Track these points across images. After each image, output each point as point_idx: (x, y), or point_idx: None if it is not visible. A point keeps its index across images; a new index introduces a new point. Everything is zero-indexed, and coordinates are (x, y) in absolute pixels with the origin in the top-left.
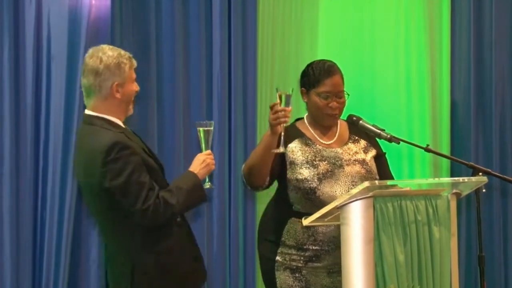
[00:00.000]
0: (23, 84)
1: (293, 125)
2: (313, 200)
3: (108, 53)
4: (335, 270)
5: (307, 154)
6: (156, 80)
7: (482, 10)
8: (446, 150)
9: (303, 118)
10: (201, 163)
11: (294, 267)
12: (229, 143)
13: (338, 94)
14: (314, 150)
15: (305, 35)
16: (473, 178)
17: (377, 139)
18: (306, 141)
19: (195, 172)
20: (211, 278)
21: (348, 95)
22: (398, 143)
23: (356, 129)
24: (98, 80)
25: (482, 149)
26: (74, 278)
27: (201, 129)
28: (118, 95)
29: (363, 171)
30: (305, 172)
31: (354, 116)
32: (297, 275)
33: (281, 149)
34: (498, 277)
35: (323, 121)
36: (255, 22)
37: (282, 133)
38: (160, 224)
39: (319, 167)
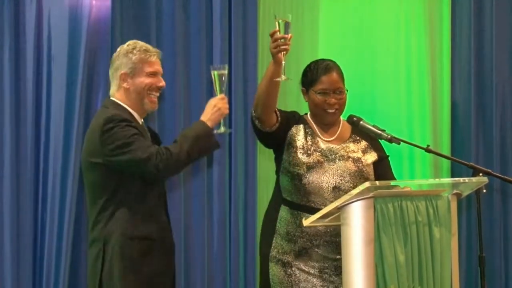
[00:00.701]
0: (24, 84)
1: (302, 115)
2: (298, 186)
3: (127, 45)
4: (327, 271)
5: (305, 142)
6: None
7: (483, 11)
8: (446, 151)
9: (307, 113)
10: (212, 108)
11: (285, 261)
12: (229, 144)
13: (335, 90)
14: (313, 141)
15: (305, 38)
16: (474, 179)
17: (380, 142)
18: (308, 131)
19: (206, 118)
20: (211, 278)
21: (347, 90)
22: (399, 143)
23: (359, 130)
24: (112, 69)
25: (483, 150)
26: (74, 279)
27: (215, 72)
28: (125, 85)
29: (353, 168)
30: (298, 157)
31: (355, 116)
32: (288, 271)
33: (283, 77)
34: (498, 278)
35: (323, 119)
36: (255, 25)
37: (283, 62)
38: (169, 173)
39: (312, 156)
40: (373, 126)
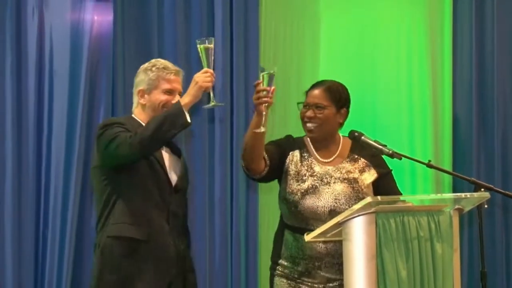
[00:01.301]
0: (25, 98)
1: (302, 137)
2: (294, 213)
3: (148, 63)
4: (331, 286)
5: (300, 167)
6: None
7: (484, 23)
8: (448, 166)
9: None
10: (192, 83)
11: (291, 277)
12: (231, 152)
13: (314, 105)
14: (307, 164)
15: (306, 51)
16: (475, 194)
17: (383, 157)
18: (303, 154)
19: (183, 99)
20: (212, 284)
21: (324, 107)
22: (400, 158)
23: (359, 148)
24: (132, 88)
25: (484, 165)
26: (77, 279)
27: (201, 46)
28: (142, 101)
29: (349, 190)
30: (292, 185)
31: (356, 131)
32: (292, 283)
33: (262, 129)
34: None
35: (305, 131)
36: (257, 31)
37: (264, 113)
38: (134, 152)
39: (306, 182)
40: (375, 141)
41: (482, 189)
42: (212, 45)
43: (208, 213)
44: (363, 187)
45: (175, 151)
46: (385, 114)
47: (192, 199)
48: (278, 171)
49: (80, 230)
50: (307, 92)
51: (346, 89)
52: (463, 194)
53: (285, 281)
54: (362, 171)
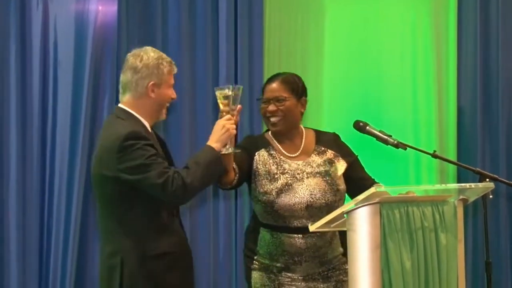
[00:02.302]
0: (30, 89)
1: (263, 134)
2: (271, 213)
3: (150, 53)
4: (312, 278)
5: (269, 166)
6: None
7: (489, 17)
8: (452, 156)
9: (268, 131)
10: (221, 128)
11: (269, 270)
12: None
13: (273, 98)
14: (276, 162)
15: (311, 45)
16: (480, 184)
17: (346, 143)
18: (270, 152)
19: (215, 141)
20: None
21: (285, 99)
22: (405, 149)
23: (324, 139)
24: (136, 77)
25: (489, 155)
26: (80, 281)
27: (219, 94)
28: (152, 95)
29: (323, 183)
30: (265, 185)
31: (361, 122)
32: (271, 276)
33: (228, 150)
34: (505, 283)
35: (269, 128)
36: (261, 28)
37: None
38: (183, 201)
39: (279, 180)
40: (380, 131)
41: (487, 179)
42: (231, 93)
43: (212, 211)
44: (335, 179)
45: (163, 144)
46: (390, 106)
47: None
48: (246, 175)
49: (85, 222)
50: (263, 88)
51: (301, 78)
52: (467, 185)
53: (264, 274)
54: (331, 162)
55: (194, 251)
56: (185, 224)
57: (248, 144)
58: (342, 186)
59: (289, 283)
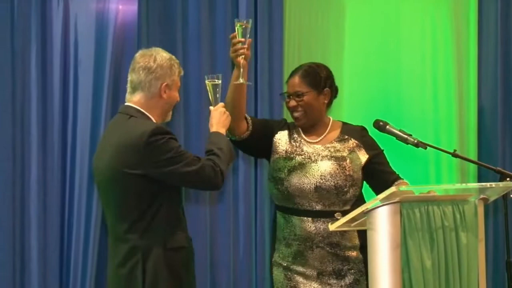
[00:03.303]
0: (50, 88)
1: (291, 122)
2: (281, 190)
3: (162, 54)
4: (326, 274)
5: (287, 146)
6: (182, 85)
7: (510, 16)
8: (473, 155)
9: None
10: (222, 114)
11: (285, 265)
12: None
13: (293, 94)
14: (296, 144)
15: (331, 42)
16: (501, 184)
17: (374, 138)
18: (293, 134)
19: (221, 127)
20: (237, 281)
21: (303, 94)
22: (425, 148)
23: (350, 129)
24: (150, 77)
25: (510, 154)
26: (100, 279)
27: (209, 83)
28: (164, 96)
29: (335, 166)
30: (279, 162)
31: (381, 121)
32: (288, 273)
33: (241, 80)
34: None
35: (294, 120)
36: (281, 26)
37: (241, 65)
38: (218, 187)
39: (294, 160)
40: (400, 130)
41: (508, 179)
42: (220, 82)
43: (232, 204)
44: (351, 165)
45: None
46: (410, 104)
47: (215, 192)
48: (262, 144)
49: (105, 220)
50: (287, 82)
51: (325, 68)
52: (488, 184)
53: (282, 272)
54: (352, 151)
55: (214, 248)
56: (205, 217)
57: (274, 122)
58: (357, 174)
59: (305, 283)
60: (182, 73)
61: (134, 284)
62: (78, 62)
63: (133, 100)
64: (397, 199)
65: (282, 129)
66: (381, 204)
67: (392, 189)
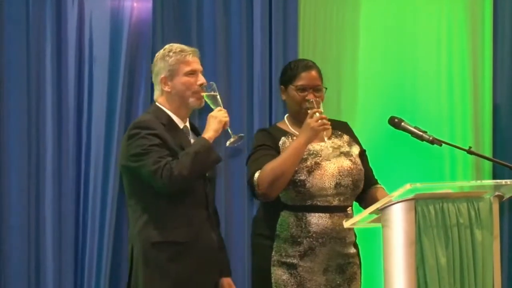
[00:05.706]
0: (65, 85)
1: (274, 126)
2: (302, 192)
3: (161, 50)
4: (331, 269)
5: None
6: None
7: None
8: (488, 152)
9: (282, 120)
10: (212, 119)
11: (290, 263)
12: None
13: (314, 87)
14: None
15: (346, 39)
16: None
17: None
18: (292, 138)
19: (207, 131)
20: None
21: (326, 88)
22: (440, 145)
23: (339, 125)
24: (153, 77)
25: None
26: (115, 276)
27: (204, 95)
28: (167, 88)
29: (348, 162)
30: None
31: (396, 118)
32: (292, 271)
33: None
34: None
35: (301, 117)
36: (296, 25)
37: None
38: (169, 189)
39: (308, 160)
40: (415, 127)
41: None
42: (217, 93)
43: (247, 196)
44: (356, 158)
45: (198, 135)
46: (425, 101)
47: (229, 186)
48: None
49: (120, 215)
50: (297, 74)
51: None
52: (503, 181)
53: (285, 270)
54: (349, 144)
55: (229, 236)
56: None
57: (267, 139)
58: (361, 166)
59: (311, 278)
60: (186, 57)
61: (129, 269)
62: (93, 59)
63: (155, 97)
64: (411, 196)
65: (278, 139)
66: (396, 201)
67: (407, 186)
